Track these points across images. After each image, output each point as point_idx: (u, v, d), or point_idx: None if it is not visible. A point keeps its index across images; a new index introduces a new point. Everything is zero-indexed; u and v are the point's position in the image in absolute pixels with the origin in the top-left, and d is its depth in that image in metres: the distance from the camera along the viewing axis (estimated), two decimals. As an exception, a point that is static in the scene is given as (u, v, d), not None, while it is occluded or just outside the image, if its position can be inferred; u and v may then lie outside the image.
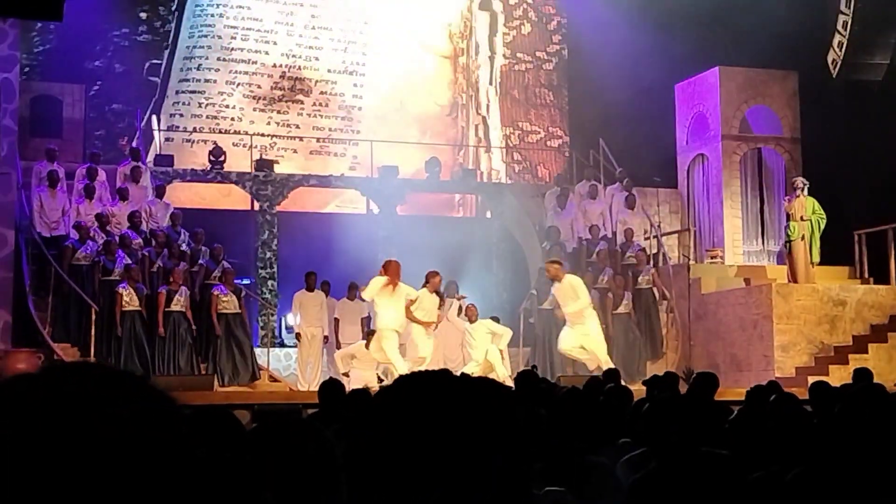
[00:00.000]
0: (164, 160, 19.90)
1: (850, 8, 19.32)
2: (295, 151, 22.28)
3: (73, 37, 21.00)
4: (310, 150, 22.79)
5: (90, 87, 21.39)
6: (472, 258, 19.70)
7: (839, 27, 19.55)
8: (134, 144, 19.74)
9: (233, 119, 22.68)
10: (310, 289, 17.27)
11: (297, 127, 23.00)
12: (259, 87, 22.99)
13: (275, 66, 23.16)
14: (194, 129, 22.34)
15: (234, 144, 21.68)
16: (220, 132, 22.31)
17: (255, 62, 23.07)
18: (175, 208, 18.26)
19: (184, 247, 17.33)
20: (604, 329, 17.34)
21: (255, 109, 22.85)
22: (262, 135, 22.33)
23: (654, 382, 9.70)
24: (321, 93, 23.36)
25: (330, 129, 23.26)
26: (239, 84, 22.86)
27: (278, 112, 22.99)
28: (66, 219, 17.50)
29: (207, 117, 22.56)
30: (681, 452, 3.94)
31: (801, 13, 20.49)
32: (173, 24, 22.71)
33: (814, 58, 20.19)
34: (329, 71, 23.48)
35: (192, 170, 20.17)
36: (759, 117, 21.54)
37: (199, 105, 22.58)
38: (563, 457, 4.03)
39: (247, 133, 22.13)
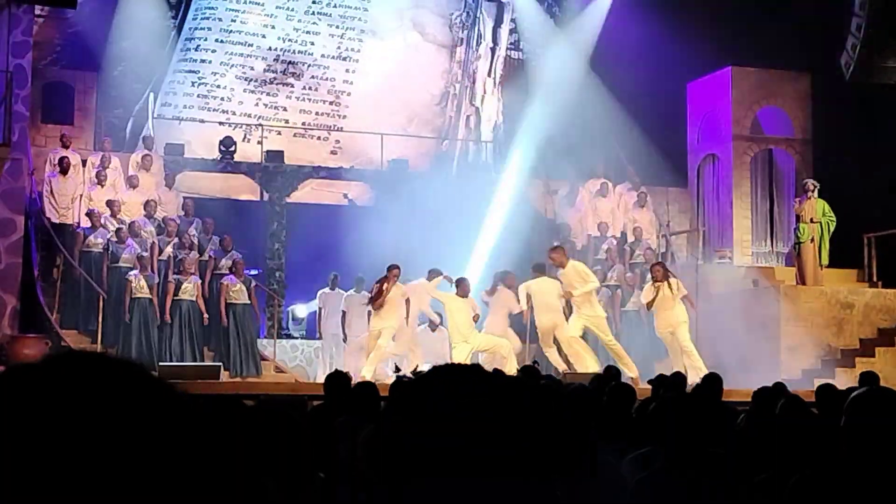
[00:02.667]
0: (175, 149, 19.93)
1: (863, 10, 19.27)
2: (279, 133, 22.23)
3: (106, 19, 21.50)
4: (293, 132, 22.79)
5: (115, 68, 21.62)
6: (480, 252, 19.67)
7: (852, 29, 19.51)
8: (145, 133, 19.81)
9: (222, 99, 22.74)
10: (332, 288, 17.63)
11: (285, 109, 23.08)
12: (252, 68, 23.07)
13: (270, 48, 23.25)
14: (185, 107, 22.44)
15: (220, 123, 21.81)
16: (209, 111, 22.41)
17: (251, 44, 23.16)
18: (186, 197, 18.31)
19: (194, 236, 17.36)
20: (612, 326, 17.40)
21: (245, 90, 22.91)
22: (246, 113, 22.37)
23: (660, 382, 9.70)
24: (312, 77, 23.42)
25: (317, 114, 23.31)
26: (233, 65, 22.94)
27: (268, 94, 23.05)
28: (77, 205, 17.54)
29: (198, 96, 22.64)
30: (687, 452, 3.94)
31: (815, 15, 20.45)
32: (182, 6, 22.89)
33: (826, 60, 20.15)
34: (323, 56, 23.54)
35: (203, 159, 20.20)
36: (771, 118, 21.50)
37: (192, 84, 22.68)
38: (571, 452, 4.03)
39: (234, 113, 22.34)
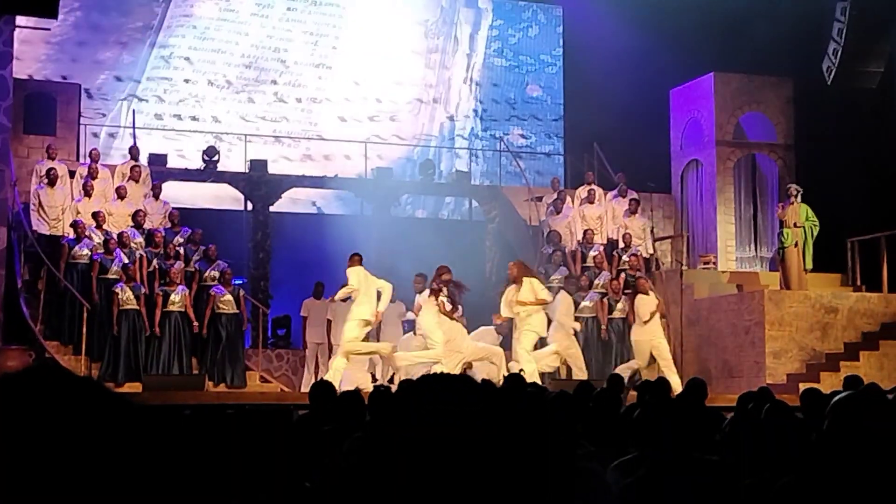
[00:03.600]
0: (158, 159, 19.88)
1: (845, 16, 19.35)
2: (250, 141, 22.11)
3: (92, 28, 21.80)
4: (263, 140, 22.73)
5: (97, 78, 21.65)
6: (465, 261, 19.68)
7: (834, 35, 19.58)
8: (131, 143, 19.77)
9: (193, 105, 22.71)
10: (317, 297, 17.56)
11: (262, 118, 23.09)
12: (224, 76, 23.03)
13: (243, 56, 23.22)
14: (155, 115, 22.43)
15: (191, 131, 21.87)
16: (181, 119, 22.43)
17: (224, 52, 23.13)
18: (173, 208, 18.28)
19: (179, 247, 17.28)
20: (604, 332, 17.46)
21: (216, 98, 22.87)
22: (216, 118, 22.34)
23: (645, 388, 9.71)
24: (284, 84, 23.38)
25: (287, 120, 23.28)
26: (205, 73, 22.91)
27: (238, 102, 23.01)
28: (66, 217, 17.45)
29: (169, 103, 22.63)
30: (672, 458, 3.94)
31: (797, 20, 20.52)
32: (159, 14, 22.88)
33: (809, 65, 20.23)
34: (296, 63, 23.51)
35: (186, 169, 20.17)
36: (754, 124, 21.57)
37: (164, 91, 22.67)
38: (555, 460, 4.03)
39: (202, 120, 22.34)
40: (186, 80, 22.77)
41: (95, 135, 21.21)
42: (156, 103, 22.52)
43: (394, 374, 15.79)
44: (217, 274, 16.91)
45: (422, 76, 24.47)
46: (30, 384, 1.20)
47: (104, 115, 21.88)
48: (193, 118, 22.60)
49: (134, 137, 20.49)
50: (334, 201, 21.80)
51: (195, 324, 16.35)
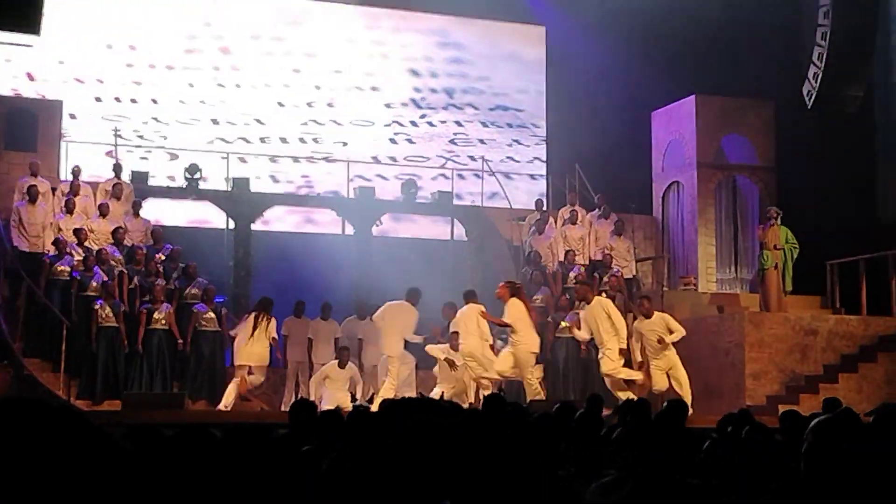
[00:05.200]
0: (139, 176, 19.84)
1: (825, 40, 19.50)
2: (224, 158, 21.83)
3: (72, 45, 21.81)
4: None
5: (82, 94, 21.69)
6: (446, 281, 19.68)
7: (815, 59, 19.72)
8: (116, 160, 19.73)
9: (173, 124, 22.57)
10: (298, 315, 17.44)
11: (240, 138, 23.00)
12: (200, 91, 22.78)
13: (217, 68, 22.99)
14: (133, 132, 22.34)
15: (167, 148, 21.97)
16: (163, 136, 22.37)
17: (199, 68, 22.89)
18: (155, 225, 18.24)
19: (160, 264, 17.21)
20: (583, 351, 17.42)
21: (190, 110, 22.63)
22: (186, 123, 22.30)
23: (626, 409, 9.71)
24: (268, 100, 23.30)
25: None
26: (187, 87, 22.70)
27: (219, 113, 22.86)
28: (48, 234, 17.37)
29: (154, 121, 22.45)
30: (652, 479, 3.95)
31: (778, 44, 20.67)
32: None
33: (789, 89, 20.37)
34: (276, 78, 23.41)
35: (168, 187, 20.13)
36: (735, 146, 21.67)
37: (145, 113, 22.44)
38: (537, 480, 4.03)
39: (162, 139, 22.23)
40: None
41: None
42: (138, 122, 22.37)
43: (373, 393, 15.79)
44: (198, 291, 16.87)
45: (400, 94, 24.39)
46: (8, 415, 1.20)
47: (85, 135, 21.68)
48: (164, 136, 22.47)
49: (116, 155, 20.44)
50: (307, 219, 21.77)
51: (180, 341, 16.29)
